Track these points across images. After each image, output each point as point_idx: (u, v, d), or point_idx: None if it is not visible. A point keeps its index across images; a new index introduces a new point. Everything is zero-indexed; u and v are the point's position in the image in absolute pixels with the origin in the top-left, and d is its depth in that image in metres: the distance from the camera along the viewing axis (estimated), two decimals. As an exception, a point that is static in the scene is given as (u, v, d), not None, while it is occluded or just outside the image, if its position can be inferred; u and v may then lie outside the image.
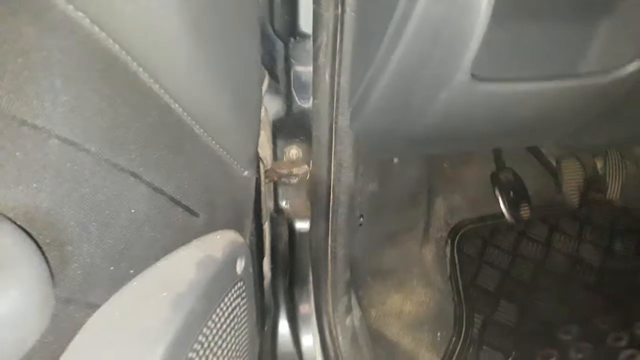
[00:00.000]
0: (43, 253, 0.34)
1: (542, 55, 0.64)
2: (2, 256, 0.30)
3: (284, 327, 0.93)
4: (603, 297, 1.44)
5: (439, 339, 1.35)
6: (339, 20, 0.59)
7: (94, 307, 0.43)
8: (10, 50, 0.33)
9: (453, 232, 1.51)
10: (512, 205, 1.46)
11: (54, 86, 0.35)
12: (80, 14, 0.36)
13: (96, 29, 0.37)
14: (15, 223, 0.33)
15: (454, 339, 1.35)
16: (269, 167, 0.81)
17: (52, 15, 0.35)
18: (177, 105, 0.46)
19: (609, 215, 1.59)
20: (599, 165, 1.50)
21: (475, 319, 1.38)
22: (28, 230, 0.35)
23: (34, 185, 0.35)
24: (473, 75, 0.56)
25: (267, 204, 0.87)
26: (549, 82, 0.61)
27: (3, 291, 0.29)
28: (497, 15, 0.51)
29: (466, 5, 0.50)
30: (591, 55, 0.65)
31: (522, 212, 1.45)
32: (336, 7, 0.58)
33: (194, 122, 0.49)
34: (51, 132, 0.36)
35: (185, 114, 0.48)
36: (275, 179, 0.83)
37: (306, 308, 0.92)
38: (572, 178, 1.49)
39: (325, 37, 0.61)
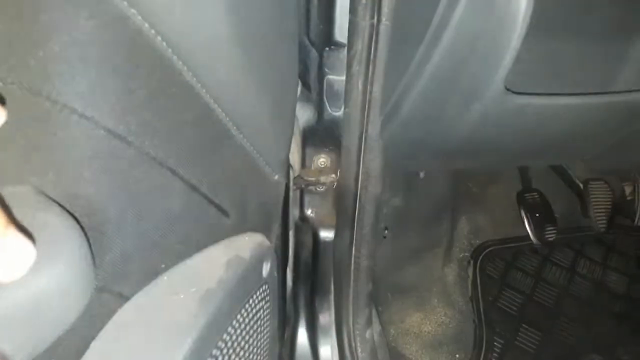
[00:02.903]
0: (86, 235, 0.35)
1: (575, 71, 0.64)
2: (50, 234, 0.31)
3: (302, 336, 0.93)
4: (628, 327, 1.41)
5: (457, 360, 1.33)
6: (375, 30, 0.60)
7: (125, 298, 0.44)
8: (69, 41, 0.35)
9: (476, 252, 1.49)
10: (538, 227, 1.44)
11: (104, 79, 0.37)
12: (133, 10, 0.37)
13: (146, 25, 0.39)
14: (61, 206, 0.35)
15: (472, 361, 1.33)
16: (296, 175, 0.82)
17: (108, 10, 0.36)
18: (216, 105, 0.48)
19: (636, 242, 1.55)
20: (628, 190, 1.48)
21: (495, 343, 1.36)
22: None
23: (80, 172, 0.37)
24: (507, 88, 0.56)
25: (293, 212, 0.87)
26: (582, 98, 0.61)
27: (52, 266, 0.30)
28: (533, 30, 0.52)
29: (503, 18, 0.51)
30: (626, 73, 0.65)
31: (547, 235, 1.43)
32: (372, 17, 0.59)
33: (231, 123, 0.51)
34: (99, 123, 0.37)
35: (223, 114, 0.49)
36: (303, 186, 0.83)
37: (326, 318, 0.91)
38: (599, 201, 1.47)
39: (360, 46, 0.62)
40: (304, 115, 0.79)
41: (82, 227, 0.35)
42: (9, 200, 0.32)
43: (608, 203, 1.47)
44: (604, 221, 1.47)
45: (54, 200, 0.34)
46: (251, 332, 0.59)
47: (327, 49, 0.69)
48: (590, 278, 1.50)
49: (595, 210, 1.47)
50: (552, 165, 1.57)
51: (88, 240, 0.35)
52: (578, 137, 0.73)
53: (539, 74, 0.62)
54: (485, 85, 0.55)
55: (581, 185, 1.53)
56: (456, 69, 0.55)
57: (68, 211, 0.34)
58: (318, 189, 0.85)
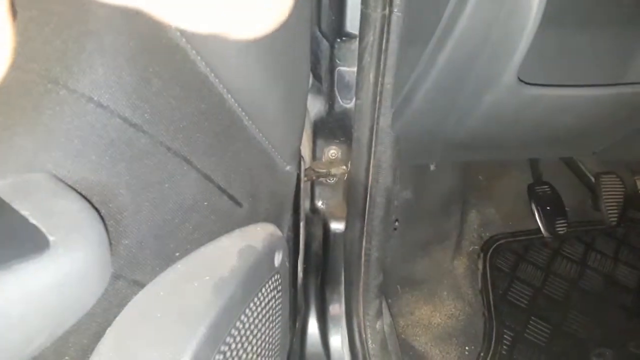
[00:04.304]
0: (104, 222, 0.35)
1: (589, 62, 0.64)
2: (69, 220, 0.31)
3: (313, 326, 0.94)
4: (638, 321, 1.40)
5: (467, 353, 1.33)
6: (386, 21, 0.60)
7: (140, 285, 0.45)
8: (84, 31, 0.35)
9: (486, 245, 1.49)
10: (548, 220, 1.44)
11: (120, 67, 0.37)
12: None
13: None
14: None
15: (482, 354, 1.33)
16: (307, 166, 0.82)
17: (123, 0, 0.37)
18: (229, 95, 0.48)
19: (647, 236, 1.55)
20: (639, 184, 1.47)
21: (505, 335, 1.36)
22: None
23: (96, 160, 0.37)
24: (519, 79, 0.56)
25: (304, 203, 0.88)
26: (595, 89, 0.60)
27: (71, 252, 0.30)
28: (546, 21, 0.52)
29: (516, 9, 0.50)
30: (638, 65, 0.65)
31: (558, 228, 1.43)
32: (384, 8, 0.59)
33: (243, 114, 0.51)
34: (115, 112, 0.37)
35: (236, 104, 0.49)
36: (314, 178, 0.84)
37: (336, 309, 0.92)
38: (610, 195, 1.46)
39: (371, 38, 0.62)
40: (315, 106, 0.79)
41: (99, 214, 0.35)
42: (27, 188, 0.33)
43: (619, 196, 1.47)
44: (615, 215, 1.46)
45: (72, 188, 0.35)
46: (263, 320, 0.59)
47: (338, 40, 0.69)
48: (601, 272, 1.49)
49: (607, 204, 1.46)
50: (564, 158, 1.56)
51: (105, 227, 0.35)
52: (590, 128, 0.73)
53: (551, 65, 0.62)
54: (498, 76, 0.55)
55: (592, 179, 1.52)
56: (469, 60, 0.55)
57: (86, 198, 0.35)
58: (329, 180, 0.85)
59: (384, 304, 0.98)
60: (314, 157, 0.84)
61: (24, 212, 0.31)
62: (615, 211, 1.46)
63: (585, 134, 0.76)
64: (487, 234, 1.52)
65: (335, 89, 0.73)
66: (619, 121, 0.73)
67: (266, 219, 0.61)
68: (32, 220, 0.30)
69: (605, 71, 0.65)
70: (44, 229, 0.30)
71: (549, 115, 0.64)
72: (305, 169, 0.82)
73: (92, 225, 0.33)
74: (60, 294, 0.31)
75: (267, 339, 0.62)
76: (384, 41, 0.62)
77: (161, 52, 0.40)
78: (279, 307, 0.64)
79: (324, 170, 0.82)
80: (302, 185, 0.78)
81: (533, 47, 0.53)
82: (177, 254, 0.48)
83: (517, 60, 0.54)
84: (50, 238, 0.30)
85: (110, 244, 0.39)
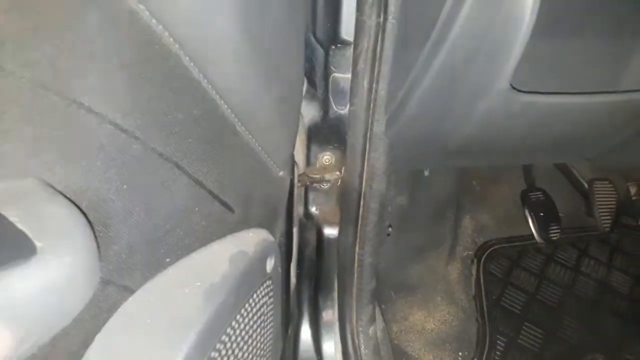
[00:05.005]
0: (92, 228, 0.35)
1: (582, 70, 0.64)
2: (57, 226, 0.31)
3: (306, 332, 0.93)
4: (632, 327, 1.41)
5: (460, 358, 1.33)
6: (381, 28, 0.60)
7: (130, 291, 0.45)
8: (77, 37, 0.35)
9: (480, 251, 1.49)
10: (542, 226, 1.44)
11: (112, 73, 0.37)
12: (141, 6, 0.38)
13: (154, 21, 0.39)
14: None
15: (475, 359, 1.33)
16: (301, 172, 0.82)
17: (116, 6, 0.37)
18: (222, 101, 0.48)
19: (640, 242, 1.55)
20: (633, 190, 1.48)
21: (498, 341, 1.36)
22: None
23: (86, 166, 0.37)
24: (512, 86, 0.56)
25: (297, 209, 0.88)
26: (588, 97, 0.61)
27: (58, 258, 0.30)
28: (539, 29, 0.52)
29: (509, 17, 0.51)
30: (631, 72, 0.65)
31: (551, 234, 1.43)
32: (378, 15, 0.59)
33: (236, 120, 0.51)
34: (106, 118, 0.37)
35: (229, 110, 0.49)
36: (307, 183, 0.84)
37: (330, 315, 0.92)
38: (603, 201, 1.47)
39: (365, 44, 0.62)
40: (309, 112, 0.79)
41: (88, 220, 0.35)
42: (16, 193, 0.33)
43: (613, 203, 1.47)
44: (609, 221, 1.47)
45: (61, 193, 0.35)
46: (255, 326, 0.59)
47: (333, 47, 0.69)
48: (594, 278, 1.50)
49: (600, 210, 1.47)
50: (557, 164, 1.57)
51: (94, 233, 0.35)
52: (583, 135, 0.73)
53: (544, 72, 0.62)
54: (491, 83, 0.56)
55: (586, 185, 1.53)
56: (462, 67, 0.55)
57: (75, 204, 0.35)
58: (322, 186, 0.85)
59: (377, 310, 0.98)
60: (308, 162, 0.84)
61: (12, 218, 0.31)
62: (609, 217, 1.47)
63: (579, 140, 0.76)
64: (481, 240, 1.52)
65: (330, 95, 0.74)
66: (612, 128, 0.74)
67: (259, 225, 0.61)
68: (20, 226, 0.30)
69: (598, 79, 0.66)
70: (31, 235, 0.30)
71: (542, 122, 0.64)
72: (299, 175, 0.82)
73: (80, 231, 0.33)
74: (47, 300, 0.30)
75: (258, 345, 0.61)
76: (378, 48, 0.62)
77: (154, 58, 0.40)
78: (271, 313, 0.64)
79: (318, 176, 0.82)
80: (295, 190, 0.78)
81: (526, 55, 0.54)
82: (168, 260, 0.48)
83: (510, 68, 0.54)
84: (38, 244, 0.30)
85: (100, 249, 0.38)
